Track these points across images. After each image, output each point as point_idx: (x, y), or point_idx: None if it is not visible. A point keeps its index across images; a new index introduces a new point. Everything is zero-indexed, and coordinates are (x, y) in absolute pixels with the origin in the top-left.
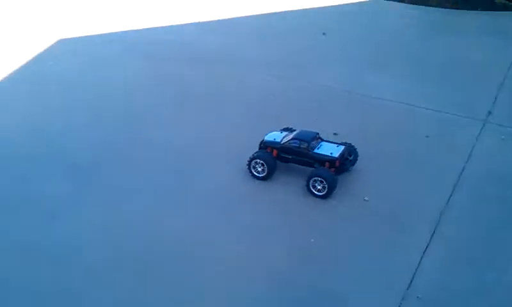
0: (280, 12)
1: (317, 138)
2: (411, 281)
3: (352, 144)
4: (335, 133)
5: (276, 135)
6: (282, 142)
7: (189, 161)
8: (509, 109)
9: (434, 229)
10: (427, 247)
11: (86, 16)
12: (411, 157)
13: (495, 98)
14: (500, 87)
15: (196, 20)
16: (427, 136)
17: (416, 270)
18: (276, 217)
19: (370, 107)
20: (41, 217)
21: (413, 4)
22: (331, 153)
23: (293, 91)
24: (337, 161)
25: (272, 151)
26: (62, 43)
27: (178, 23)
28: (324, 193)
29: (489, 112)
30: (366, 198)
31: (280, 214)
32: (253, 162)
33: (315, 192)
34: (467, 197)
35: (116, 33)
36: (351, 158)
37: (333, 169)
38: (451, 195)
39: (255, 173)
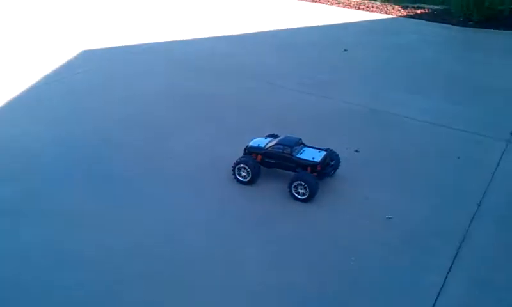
0: (301, 27)
1: (299, 143)
2: (435, 302)
3: (334, 150)
4: (356, 151)
5: (260, 141)
6: (266, 148)
7: (203, 173)
8: None
9: (458, 249)
10: (450, 267)
11: (109, 27)
12: (433, 177)
13: None
14: None
15: (218, 34)
16: (458, 157)
17: (440, 291)
18: (290, 234)
19: (393, 125)
20: (69, 227)
21: (436, 22)
22: (313, 158)
23: (314, 107)
24: (319, 166)
25: (256, 157)
26: (87, 53)
27: (201, 36)
28: (306, 197)
29: None
30: (389, 216)
31: (295, 230)
32: (237, 167)
33: (298, 196)
34: (491, 219)
35: (140, 45)
36: (332, 163)
37: (315, 174)
38: (474, 216)
39: (239, 178)
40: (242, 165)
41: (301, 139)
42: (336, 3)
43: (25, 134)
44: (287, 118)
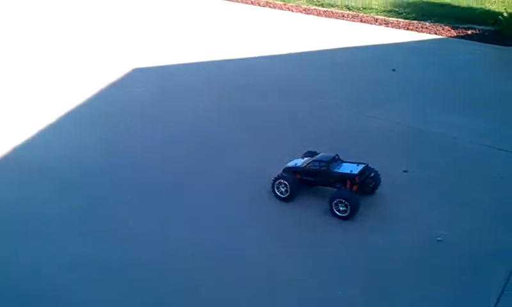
0: (349, 47)
1: (336, 159)
2: None
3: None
4: (404, 171)
5: (297, 161)
6: (303, 166)
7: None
8: None
9: (510, 274)
10: (502, 290)
11: (158, 46)
12: (484, 198)
13: None
14: None
15: (269, 53)
16: (502, 177)
17: None
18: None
19: (441, 145)
20: (118, 239)
21: (487, 43)
22: (351, 171)
23: (361, 126)
24: (357, 177)
25: (295, 175)
26: (136, 71)
27: (251, 55)
28: (347, 214)
29: None
30: (439, 238)
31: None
32: (277, 182)
33: (339, 214)
34: None
35: (189, 64)
36: (371, 175)
37: (355, 187)
38: None
39: (278, 193)
40: (281, 180)
41: (338, 155)
42: (385, 23)
43: (79, 148)
44: (334, 137)
